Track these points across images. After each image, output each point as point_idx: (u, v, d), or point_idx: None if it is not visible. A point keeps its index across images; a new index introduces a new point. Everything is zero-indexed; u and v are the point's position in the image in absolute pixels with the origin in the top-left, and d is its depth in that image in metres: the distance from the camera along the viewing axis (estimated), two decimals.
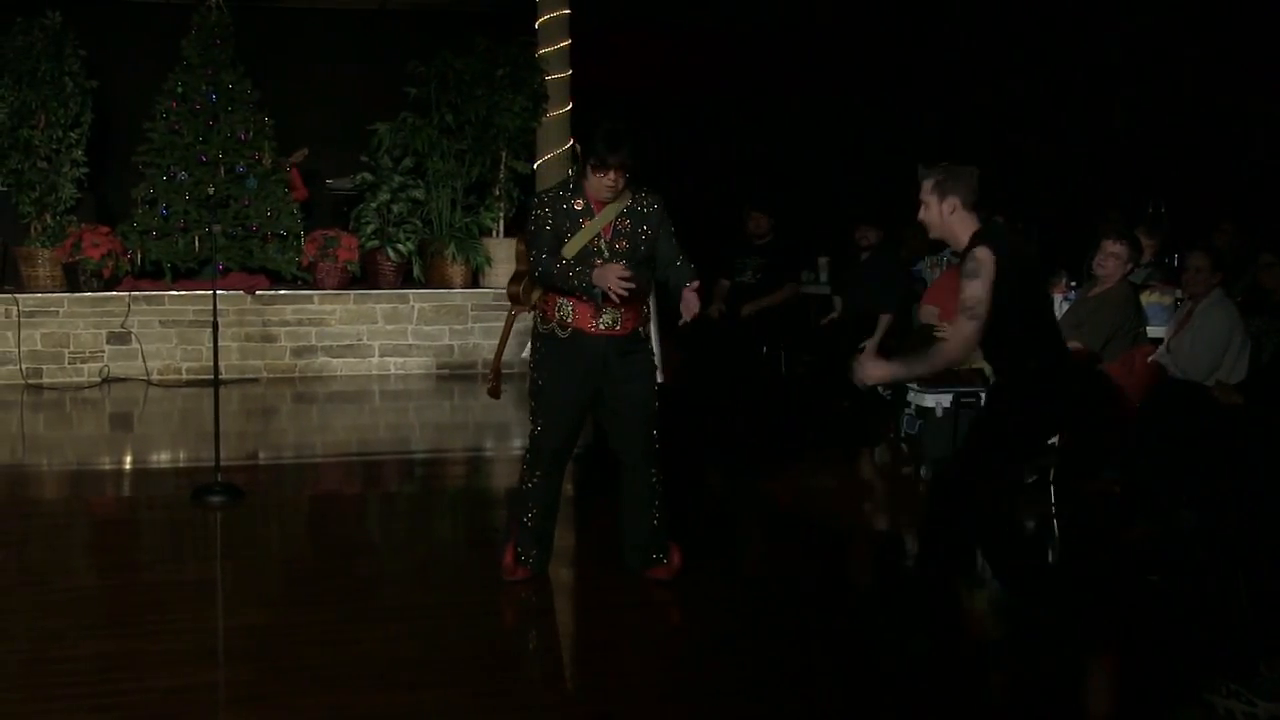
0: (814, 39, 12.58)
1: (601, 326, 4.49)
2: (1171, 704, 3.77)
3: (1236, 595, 4.90)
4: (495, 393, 4.97)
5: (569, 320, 4.50)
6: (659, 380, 4.80)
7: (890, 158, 12.40)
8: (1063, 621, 4.38)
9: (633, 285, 4.36)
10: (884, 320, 8.73)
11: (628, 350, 4.55)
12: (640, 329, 4.59)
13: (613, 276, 4.32)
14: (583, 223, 4.46)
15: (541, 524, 4.72)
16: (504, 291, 9.91)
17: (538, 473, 4.66)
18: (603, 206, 4.47)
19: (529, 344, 4.75)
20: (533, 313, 4.68)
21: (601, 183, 4.40)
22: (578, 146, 4.49)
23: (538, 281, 4.57)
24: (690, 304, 4.47)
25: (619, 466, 4.71)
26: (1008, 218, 10.03)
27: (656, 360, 4.78)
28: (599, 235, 4.44)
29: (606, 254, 4.44)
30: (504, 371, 4.80)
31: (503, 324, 5.15)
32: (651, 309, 4.77)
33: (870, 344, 8.57)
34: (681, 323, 4.57)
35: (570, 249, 4.45)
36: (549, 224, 4.49)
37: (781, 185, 11.73)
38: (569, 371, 4.54)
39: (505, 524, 5.06)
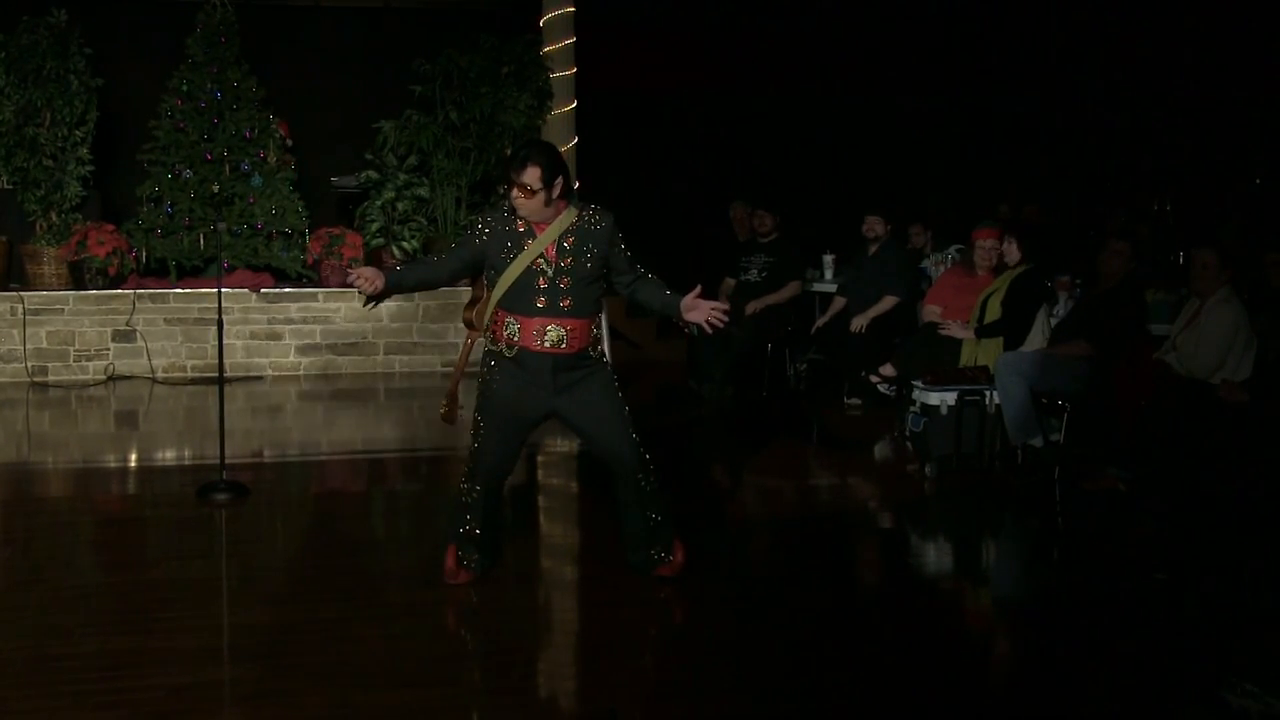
0: (820, 36, 12.57)
1: (547, 344, 4.44)
2: (1179, 703, 3.76)
3: (1243, 593, 4.90)
4: (450, 418, 4.89)
5: (515, 339, 4.48)
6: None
7: (895, 155, 12.43)
8: None
9: (372, 289, 4.55)
10: (888, 300, 8.71)
11: (575, 367, 4.51)
12: (590, 350, 4.54)
13: (366, 277, 4.53)
14: (525, 243, 4.44)
15: (483, 533, 4.70)
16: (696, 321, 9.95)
17: (477, 487, 4.64)
18: (545, 227, 4.46)
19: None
20: (486, 334, 4.65)
21: (518, 200, 4.40)
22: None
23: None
24: (701, 309, 4.50)
25: (611, 476, 4.71)
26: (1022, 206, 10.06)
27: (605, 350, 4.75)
28: (542, 255, 4.43)
29: (550, 272, 4.42)
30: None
31: (461, 349, 5.07)
32: (603, 328, 4.73)
33: (860, 319, 8.62)
34: (694, 330, 4.60)
35: (515, 268, 4.42)
36: (474, 243, 4.50)
37: (787, 183, 11.72)
38: (514, 389, 4.51)
39: (446, 527, 5.01)
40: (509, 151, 4.47)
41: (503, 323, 4.51)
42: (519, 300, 4.46)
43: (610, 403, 4.56)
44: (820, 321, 9.26)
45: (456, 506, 4.75)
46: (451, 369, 9.84)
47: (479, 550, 4.72)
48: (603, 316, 4.70)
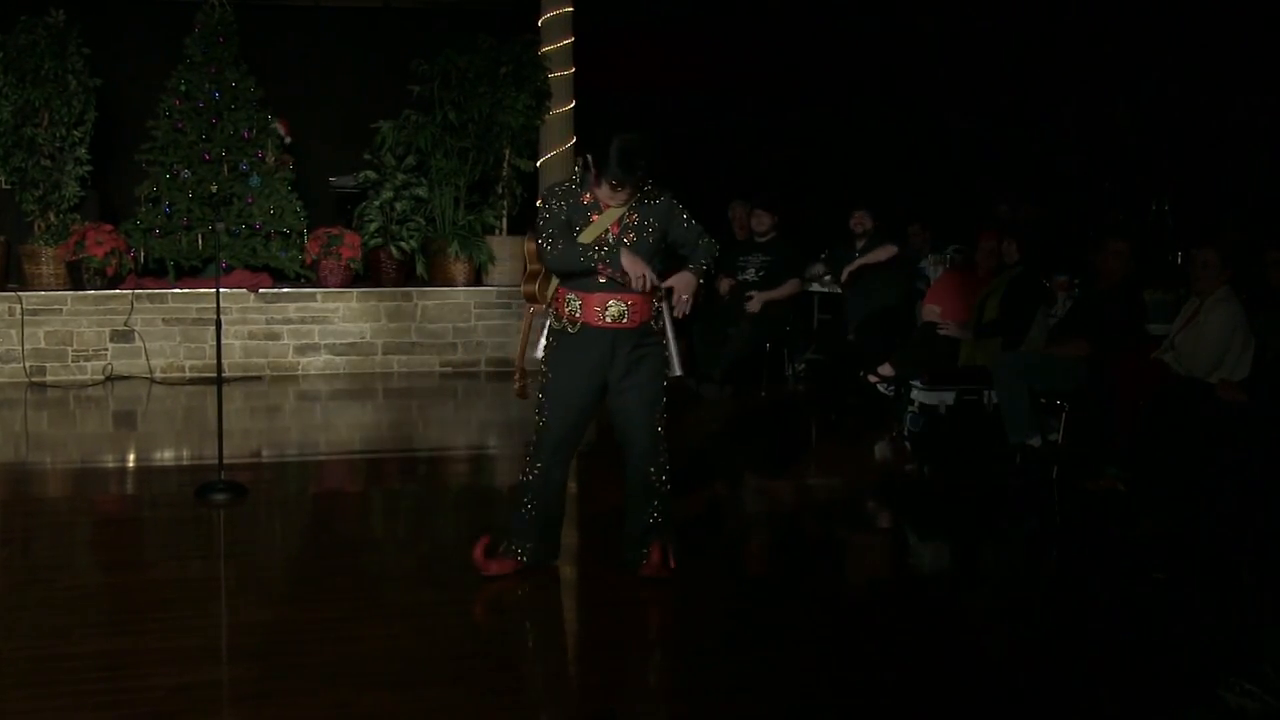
0: (820, 35, 12.57)
1: (609, 319, 4.51)
2: (1179, 702, 3.77)
3: (1242, 592, 4.91)
4: (523, 393, 4.95)
5: (578, 315, 4.54)
6: (677, 372, 4.80)
7: (895, 155, 12.42)
8: None
9: (653, 283, 4.46)
10: (888, 249, 8.75)
11: (637, 344, 4.58)
12: (653, 322, 4.61)
13: (641, 267, 4.40)
14: (591, 217, 4.52)
15: (541, 515, 4.71)
16: (507, 289, 10.00)
17: (539, 464, 4.68)
18: (609, 203, 4.51)
19: (541, 343, 4.75)
20: (549, 310, 4.69)
21: (615, 196, 4.47)
22: (589, 157, 4.51)
23: (550, 265, 4.59)
24: (681, 283, 4.51)
25: (624, 463, 4.72)
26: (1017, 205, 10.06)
27: (673, 352, 4.76)
28: (607, 230, 4.47)
29: (613, 247, 4.48)
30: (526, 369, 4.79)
31: (521, 323, 5.12)
32: (666, 302, 4.77)
33: (851, 267, 8.68)
34: (675, 308, 4.60)
35: (581, 240, 4.50)
36: (562, 214, 4.54)
37: (786, 183, 11.72)
38: (578, 366, 4.58)
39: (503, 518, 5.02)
40: (611, 155, 4.41)
41: (564, 299, 4.57)
42: (581, 276, 4.50)
43: (648, 388, 4.60)
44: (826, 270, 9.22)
45: (518, 487, 4.75)
46: (451, 368, 9.91)
47: (533, 538, 4.72)
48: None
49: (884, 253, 8.84)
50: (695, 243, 4.66)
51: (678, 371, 4.82)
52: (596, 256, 4.47)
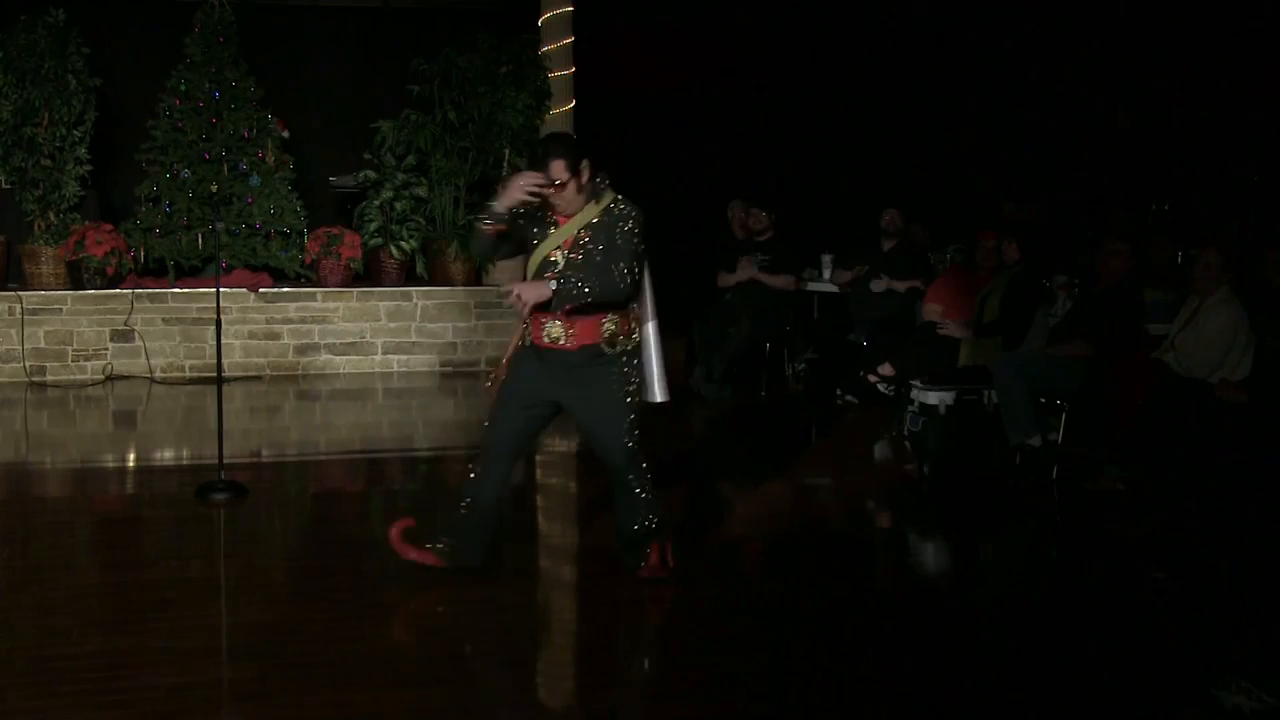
0: (820, 35, 12.57)
1: (547, 340, 4.49)
2: (1178, 701, 3.77)
3: (1240, 591, 4.91)
4: (493, 392, 4.95)
5: (529, 331, 4.56)
6: (657, 399, 4.75)
7: (891, 155, 12.42)
8: None
9: (539, 187, 4.33)
10: (915, 282, 8.70)
11: (582, 365, 4.49)
12: (605, 347, 4.49)
13: (517, 185, 4.33)
14: (548, 234, 4.50)
15: (471, 516, 4.69)
16: (507, 289, 9.97)
17: (478, 468, 4.70)
18: (567, 220, 4.48)
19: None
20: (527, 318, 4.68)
21: (557, 196, 4.41)
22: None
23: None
24: (528, 288, 4.40)
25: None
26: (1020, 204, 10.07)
27: (656, 376, 4.71)
28: (559, 247, 4.46)
29: (560, 263, 4.44)
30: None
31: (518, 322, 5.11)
32: (650, 322, 4.72)
33: (881, 283, 8.64)
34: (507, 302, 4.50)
35: (534, 259, 4.50)
36: (519, 220, 4.52)
37: (786, 182, 11.72)
38: (518, 378, 4.60)
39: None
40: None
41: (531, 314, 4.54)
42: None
43: (613, 402, 4.54)
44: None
45: (459, 486, 4.77)
46: (451, 368, 9.91)
47: (463, 538, 4.71)
48: (650, 311, 4.69)
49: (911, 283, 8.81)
50: (608, 265, 4.38)
51: (658, 398, 4.76)
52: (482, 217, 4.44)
